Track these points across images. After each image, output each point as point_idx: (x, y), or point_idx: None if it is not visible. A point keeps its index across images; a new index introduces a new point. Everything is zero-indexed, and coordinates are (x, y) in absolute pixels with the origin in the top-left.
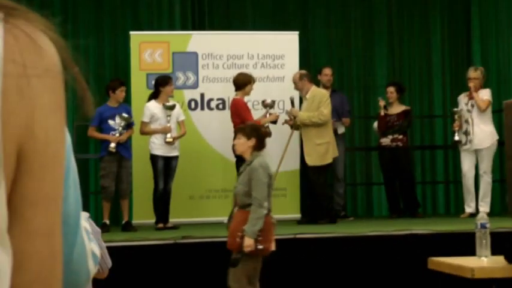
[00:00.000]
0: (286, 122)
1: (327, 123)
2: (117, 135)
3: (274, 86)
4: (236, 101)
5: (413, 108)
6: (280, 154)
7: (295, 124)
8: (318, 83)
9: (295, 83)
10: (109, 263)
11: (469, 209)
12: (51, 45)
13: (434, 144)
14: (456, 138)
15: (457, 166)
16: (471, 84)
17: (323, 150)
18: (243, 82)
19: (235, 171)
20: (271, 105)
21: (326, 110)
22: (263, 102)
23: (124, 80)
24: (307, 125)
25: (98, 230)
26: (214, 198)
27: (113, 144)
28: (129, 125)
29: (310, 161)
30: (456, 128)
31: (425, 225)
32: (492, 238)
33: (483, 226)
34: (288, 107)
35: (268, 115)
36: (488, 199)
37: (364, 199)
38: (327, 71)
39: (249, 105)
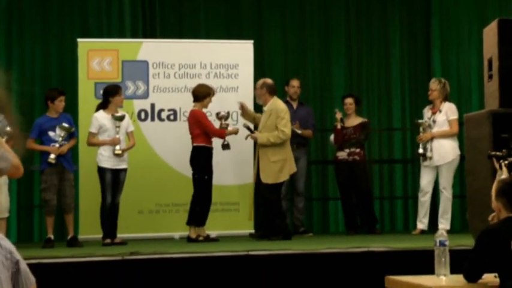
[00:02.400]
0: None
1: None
2: (58, 146)
3: (228, 97)
4: (196, 111)
5: (372, 121)
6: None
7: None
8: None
9: (255, 88)
10: (31, 279)
11: (421, 225)
12: None
13: (392, 158)
14: (420, 150)
15: (416, 181)
16: (430, 97)
17: (277, 168)
18: (202, 94)
19: (187, 184)
20: (226, 117)
21: (287, 129)
22: (217, 114)
23: (70, 89)
24: (266, 145)
25: (8, 246)
26: (164, 213)
27: (52, 156)
28: (71, 136)
29: (264, 177)
30: (420, 140)
31: (382, 242)
32: (451, 256)
33: (442, 244)
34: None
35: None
36: (449, 216)
37: (320, 214)
38: (294, 83)
39: None
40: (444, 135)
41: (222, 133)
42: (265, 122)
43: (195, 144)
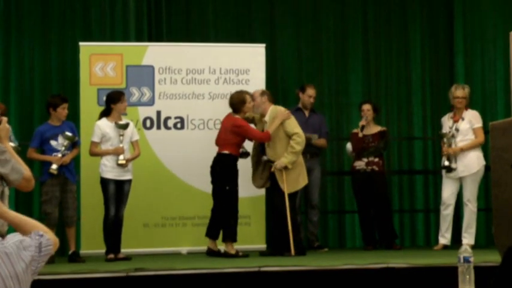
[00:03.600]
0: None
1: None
2: (60, 156)
3: None
4: (237, 119)
5: (391, 129)
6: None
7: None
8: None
9: (253, 97)
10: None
11: (444, 240)
12: None
13: (413, 168)
14: (446, 163)
15: (438, 193)
16: (459, 105)
17: (295, 174)
18: (238, 102)
19: (194, 196)
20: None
21: (298, 129)
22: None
23: (72, 96)
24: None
25: None
26: (170, 227)
27: (54, 166)
28: (74, 145)
29: (283, 187)
30: (445, 153)
31: (402, 258)
32: (476, 273)
33: (466, 260)
34: None
35: None
36: (473, 230)
37: (336, 229)
38: (311, 92)
39: (211, 124)
40: (472, 146)
41: (268, 135)
42: (269, 127)
43: (225, 152)
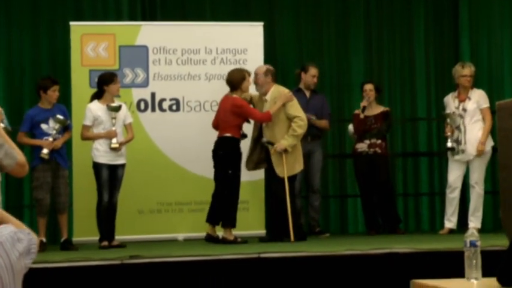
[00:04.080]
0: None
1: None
2: (51, 140)
3: None
4: (236, 99)
5: (394, 110)
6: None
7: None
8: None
9: (257, 75)
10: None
11: (450, 223)
12: None
13: (417, 150)
14: (449, 145)
15: (444, 176)
16: (467, 84)
17: (292, 158)
18: (237, 80)
19: (191, 181)
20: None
21: (301, 113)
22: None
23: (63, 78)
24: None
25: None
26: (166, 213)
27: (45, 150)
28: (65, 129)
29: (280, 171)
30: (449, 133)
31: (407, 242)
32: (483, 258)
33: (473, 244)
34: None
35: None
36: (480, 213)
37: (337, 213)
38: (314, 71)
39: (207, 106)
40: (489, 132)
41: (269, 116)
42: (270, 108)
43: (227, 135)
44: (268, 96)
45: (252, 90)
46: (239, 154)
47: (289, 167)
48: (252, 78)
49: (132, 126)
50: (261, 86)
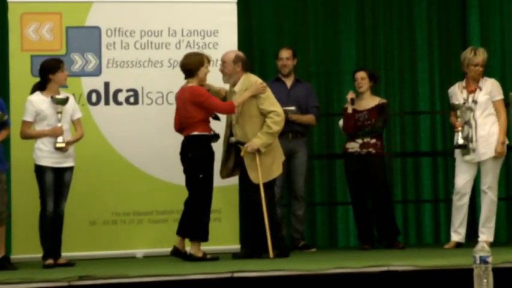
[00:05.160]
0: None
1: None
2: None
3: None
4: (193, 88)
5: (391, 102)
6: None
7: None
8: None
9: (224, 62)
10: None
11: (457, 236)
12: None
13: (418, 150)
14: (460, 141)
15: (449, 179)
16: (478, 73)
17: (269, 160)
18: (194, 65)
19: (152, 187)
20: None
21: (276, 107)
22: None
23: (0, 65)
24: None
25: None
26: (123, 224)
27: None
28: (2, 125)
29: (254, 177)
30: (459, 128)
31: (406, 258)
32: (496, 276)
33: (484, 260)
34: None
35: None
36: (492, 224)
37: (325, 224)
38: (283, 53)
39: (171, 98)
40: (505, 128)
41: (232, 107)
42: (240, 108)
43: (195, 133)
44: (237, 88)
45: (219, 82)
46: (211, 154)
47: (265, 171)
48: (219, 66)
49: (81, 122)
50: (229, 75)
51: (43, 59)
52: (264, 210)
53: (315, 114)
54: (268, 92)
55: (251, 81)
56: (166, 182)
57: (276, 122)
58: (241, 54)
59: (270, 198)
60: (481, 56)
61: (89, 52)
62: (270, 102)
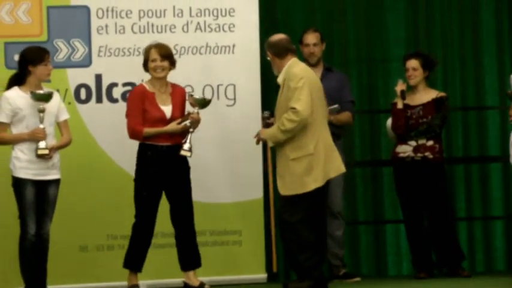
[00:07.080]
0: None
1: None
2: None
3: (219, 61)
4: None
5: (451, 96)
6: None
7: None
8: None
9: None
10: None
11: None
12: None
13: (485, 154)
14: None
15: None
16: None
17: (301, 168)
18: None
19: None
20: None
21: (299, 104)
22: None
23: None
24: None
25: None
26: (121, 250)
27: None
28: None
29: (282, 186)
30: None
31: None
32: None
33: None
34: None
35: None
36: None
37: (371, 248)
38: (309, 39)
39: None
40: None
41: (138, 134)
42: (278, 103)
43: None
44: (279, 78)
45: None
46: (156, 167)
47: (293, 181)
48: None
49: (68, 124)
50: (272, 65)
51: (20, 46)
52: (286, 229)
53: (351, 111)
54: (301, 84)
55: (289, 71)
56: None
57: (291, 120)
58: (273, 37)
59: (301, 216)
60: None
61: (76, 38)
62: (297, 97)
